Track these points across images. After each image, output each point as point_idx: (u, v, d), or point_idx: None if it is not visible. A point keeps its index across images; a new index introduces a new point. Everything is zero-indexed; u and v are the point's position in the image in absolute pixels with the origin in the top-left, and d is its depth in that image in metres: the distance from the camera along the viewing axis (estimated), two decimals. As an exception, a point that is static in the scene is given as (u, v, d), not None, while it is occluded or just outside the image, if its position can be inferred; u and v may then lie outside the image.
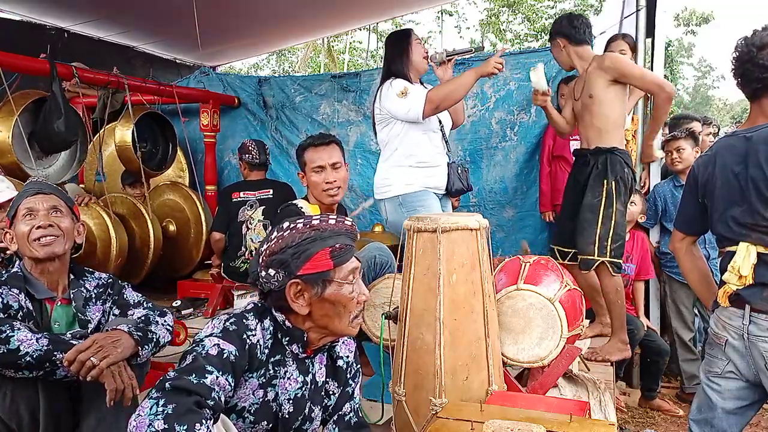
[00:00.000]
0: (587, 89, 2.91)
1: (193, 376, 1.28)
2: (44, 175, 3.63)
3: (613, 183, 2.80)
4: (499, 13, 17.20)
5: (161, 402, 1.20)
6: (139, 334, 1.80)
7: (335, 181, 2.51)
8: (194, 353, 1.34)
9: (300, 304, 1.45)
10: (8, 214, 1.96)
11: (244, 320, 1.45)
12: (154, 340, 1.86)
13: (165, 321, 1.98)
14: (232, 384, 1.37)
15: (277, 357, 1.50)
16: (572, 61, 3.02)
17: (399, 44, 3.00)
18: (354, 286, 1.48)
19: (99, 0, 4.41)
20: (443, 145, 3.08)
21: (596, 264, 2.80)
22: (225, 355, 1.35)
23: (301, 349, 1.51)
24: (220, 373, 1.32)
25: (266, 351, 1.47)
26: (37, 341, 1.68)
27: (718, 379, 2.01)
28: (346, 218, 1.54)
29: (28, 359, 1.66)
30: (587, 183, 2.89)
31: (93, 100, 4.37)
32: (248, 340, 1.42)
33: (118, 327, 1.80)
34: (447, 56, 3.02)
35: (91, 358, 1.65)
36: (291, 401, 1.51)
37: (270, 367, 1.48)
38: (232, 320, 1.43)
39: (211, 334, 1.39)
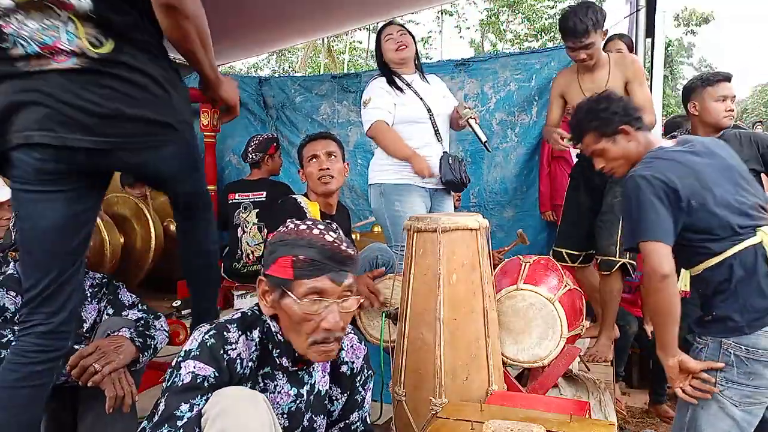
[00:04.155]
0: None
1: (165, 428, 1.24)
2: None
3: None
4: (499, 13, 17.23)
5: None
6: (140, 340, 1.81)
7: (328, 168, 2.49)
8: (168, 392, 1.29)
9: (265, 303, 1.41)
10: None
11: (225, 332, 1.37)
12: (153, 346, 1.87)
13: (161, 325, 1.99)
14: None
15: (266, 369, 1.43)
16: (598, 51, 2.77)
17: (378, 40, 3.12)
18: (315, 307, 1.35)
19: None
20: (434, 135, 2.97)
21: (617, 265, 2.71)
22: (199, 380, 1.29)
23: (290, 363, 1.44)
24: (197, 399, 1.27)
25: (251, 364, 1.40)
26: None
27: (760, 407, 1.76)
28: (342, 240, 1.40)
29: None
30: (602, 186, 2.80)
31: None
32: (226, 356, 1.34)
33: (120, 332, 1.79)
34: (465, 120, 2.97)
35: (94, 364, 1.64)
36: (285, 416, 1.44)
37: (259, 379, 1.42)
38: (212, 332, 1.36)
39: (188, 354, 1.33)
